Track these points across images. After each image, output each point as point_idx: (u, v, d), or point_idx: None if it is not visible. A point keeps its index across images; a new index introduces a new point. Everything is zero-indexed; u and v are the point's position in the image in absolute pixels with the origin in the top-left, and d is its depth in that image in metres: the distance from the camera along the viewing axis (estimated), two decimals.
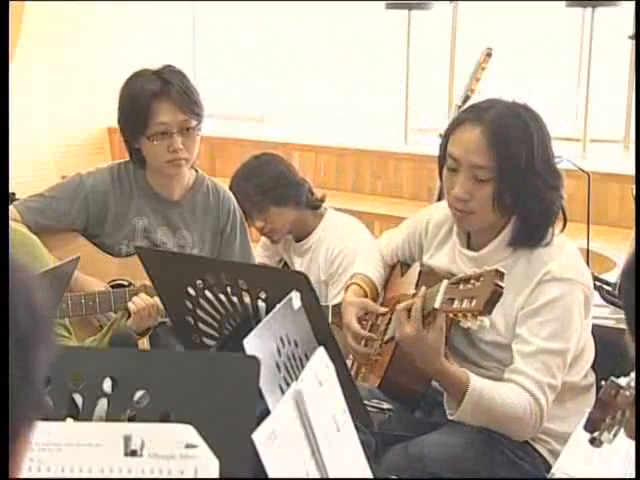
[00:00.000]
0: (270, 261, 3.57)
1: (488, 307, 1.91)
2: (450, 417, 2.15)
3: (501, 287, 1.91)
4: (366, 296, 2.48)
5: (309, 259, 3.36)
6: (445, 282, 2.03)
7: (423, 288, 2.12)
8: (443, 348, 2.09)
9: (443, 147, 2.24)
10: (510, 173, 2.14)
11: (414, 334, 2.06)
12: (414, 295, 2.15)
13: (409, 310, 2.08)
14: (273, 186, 3.29)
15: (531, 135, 2.16)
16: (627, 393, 1.56)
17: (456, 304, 1.97)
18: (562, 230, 2.27)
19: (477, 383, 2.11)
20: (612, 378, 1.60)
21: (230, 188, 3.24)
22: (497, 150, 2.14)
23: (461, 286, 1.99)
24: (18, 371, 0.83)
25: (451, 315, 2.01)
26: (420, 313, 2.06)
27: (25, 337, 0.84)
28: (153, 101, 2.81)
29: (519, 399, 2.12)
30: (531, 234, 2.21)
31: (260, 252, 3.57)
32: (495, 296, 1.91)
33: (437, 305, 2.00)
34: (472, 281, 1.96)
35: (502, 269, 1.95)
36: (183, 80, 2.87)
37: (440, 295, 2.01)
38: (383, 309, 2.43)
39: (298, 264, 3.40)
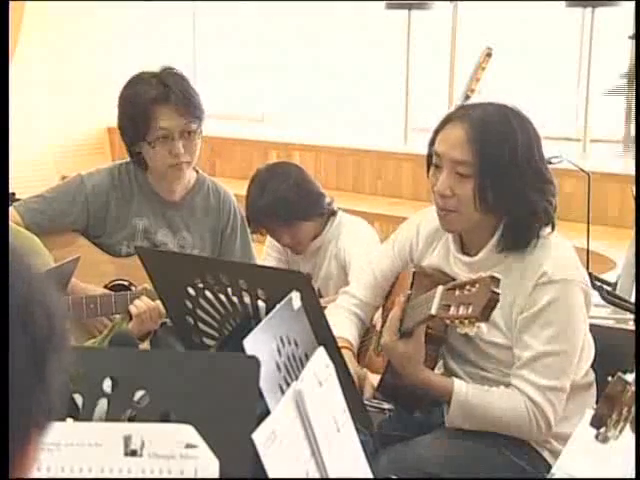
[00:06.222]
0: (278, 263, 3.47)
1: (485, 314, 1.92)
2: (447, 424, 2.16)
3: (497, 293, 1.92)
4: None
5: (325, 251, 3.29)
6: (440, 288, 2.03)
7: (401, 295, 2.14)
8: (422, 359, 2.12)
9: (430, 145, 2.25)
10: (490, 170, 2.14)
11: (390, 344, 2.11)
12: (408, 297, 2.17)
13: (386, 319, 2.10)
14: (300, 202, 3.16)
15: (515, 135, 2.15)
16: (634, 389, 1.55)
17: (452, 310, 1.97)
18: (550, 233, 2.26)
19: (463, 389, 2.14)
20: (619, 374, 1.59)
21: (248, 203, 3.16)
22: (477, 146, 2.14)
23: (457, 292, 1.98)
24: (32, 376, 0.79)
25: (447, 321, 2.02)
26: (397, 321, 2.10)
27: (41, 342, 0.80)
28: (153, 107, 2.80)
29: (516, 403, 2.13)
30: (517, 237, 2.20)
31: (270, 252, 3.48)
32: (492, 303, 1.91)
33: (434, 311, 2.00)
34: (467, 287, 1.96)
35: (498, 275, 1.95)
36: (183, 83, 2.86)
37: (436, 301, 2.01)
38: None
39: (308, 267, 3.32)
